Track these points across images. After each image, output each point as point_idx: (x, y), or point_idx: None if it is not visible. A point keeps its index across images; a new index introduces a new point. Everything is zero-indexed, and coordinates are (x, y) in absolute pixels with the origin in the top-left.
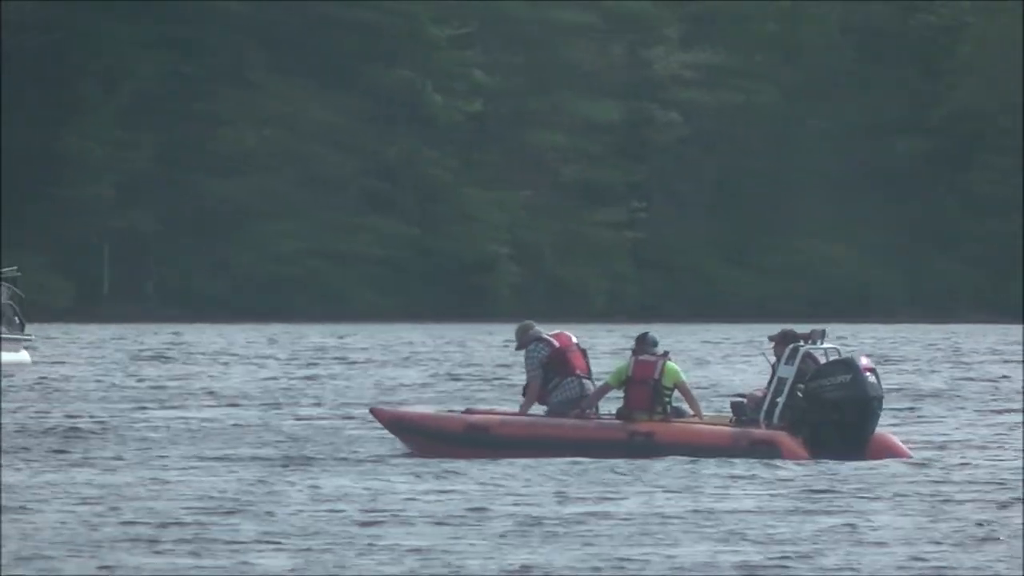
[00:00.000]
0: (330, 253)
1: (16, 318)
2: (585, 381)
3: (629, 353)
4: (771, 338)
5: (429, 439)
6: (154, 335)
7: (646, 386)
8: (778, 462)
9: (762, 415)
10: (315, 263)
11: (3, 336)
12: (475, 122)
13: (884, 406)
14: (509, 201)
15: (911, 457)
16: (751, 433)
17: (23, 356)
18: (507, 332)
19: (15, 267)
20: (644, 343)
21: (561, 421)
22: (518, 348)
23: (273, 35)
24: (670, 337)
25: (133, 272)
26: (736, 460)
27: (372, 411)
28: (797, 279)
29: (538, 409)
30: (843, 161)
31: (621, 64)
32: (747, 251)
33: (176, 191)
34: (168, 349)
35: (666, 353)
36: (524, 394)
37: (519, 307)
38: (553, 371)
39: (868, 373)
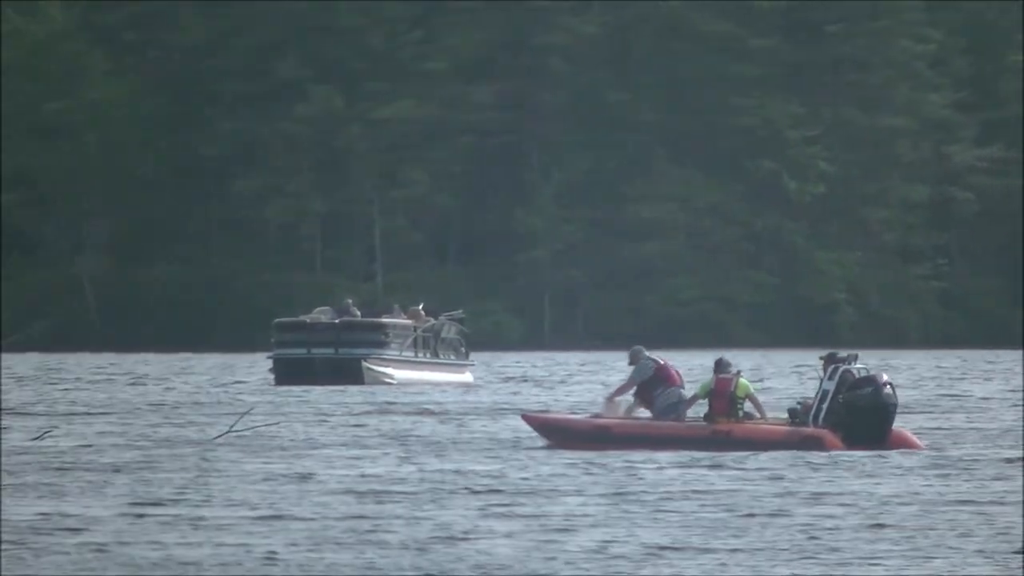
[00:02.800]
0: (715, 298)
1: (462, 348)
2: (681, 390)
3: (711, 372)
4: (821, 358)
5: (566, 438)
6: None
7: (724, 397)
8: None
9: (811, 418)
10: (704, 306)
11: (451, 361)
12: (820, 201)
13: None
14: (846, 260)
15: (923, 448)
16: (802, 431)
17: (467, 376)
18: None
19: (460, 310)
20: (721, 365)
21: (662, 423)
22: (630, 364)
23: (672, 136)
24: (952, 362)
25: (567, 315)
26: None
27: (523, 416)
28: None
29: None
30: None
31: (930, 157)
32: None
33: (598, 253)
34: None
35: (739, 372)
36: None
37: (854, 339)
38: (659, 382)
39: (887, 386)
